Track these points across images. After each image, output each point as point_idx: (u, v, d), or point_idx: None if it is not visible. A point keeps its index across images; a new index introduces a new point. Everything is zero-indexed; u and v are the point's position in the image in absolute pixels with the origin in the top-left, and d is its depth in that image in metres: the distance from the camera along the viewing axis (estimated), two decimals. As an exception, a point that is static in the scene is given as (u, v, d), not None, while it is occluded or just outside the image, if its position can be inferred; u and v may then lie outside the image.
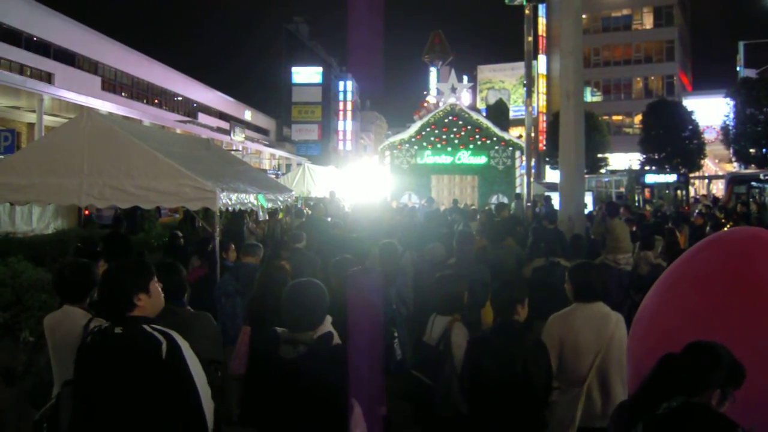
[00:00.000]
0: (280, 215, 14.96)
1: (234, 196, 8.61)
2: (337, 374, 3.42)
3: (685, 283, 3.78)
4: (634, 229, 12.67)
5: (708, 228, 12.90)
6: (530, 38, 22.18)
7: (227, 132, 48.87)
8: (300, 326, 3.58)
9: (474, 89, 65.06)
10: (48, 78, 35.88)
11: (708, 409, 2.52)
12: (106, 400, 3.12)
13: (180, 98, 58.22)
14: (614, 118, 63.69)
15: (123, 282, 3.33)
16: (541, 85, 61.93)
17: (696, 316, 3.49)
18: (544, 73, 62.62)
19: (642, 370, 3.58)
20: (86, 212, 15.22)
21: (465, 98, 27.97)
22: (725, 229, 10.47)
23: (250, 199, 9.35)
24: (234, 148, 44.66)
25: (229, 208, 8.63)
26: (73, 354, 4.07)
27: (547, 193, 20.71)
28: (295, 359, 3.49)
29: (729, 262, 3.64)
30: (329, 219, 14.27)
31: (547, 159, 53.04)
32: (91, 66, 42.54)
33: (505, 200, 23.38)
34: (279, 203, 11.28)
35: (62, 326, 4.24)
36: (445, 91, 27.20)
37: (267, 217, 11.99)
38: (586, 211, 15.45)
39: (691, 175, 43.74)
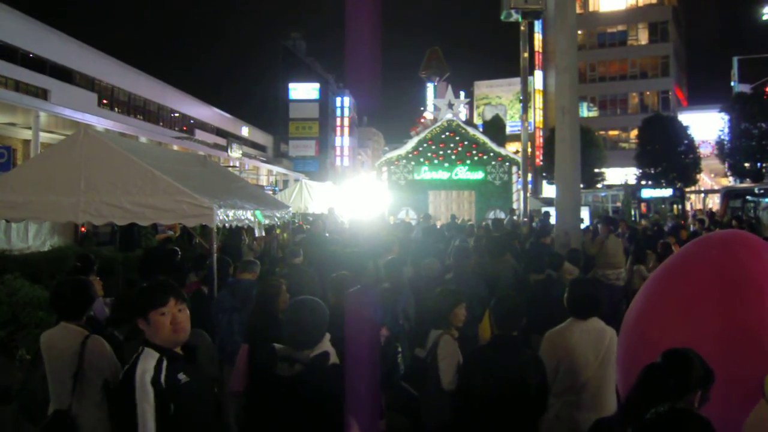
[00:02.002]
0: (277, 231, 14.95)
1: (231, 213, 8.59)
2: (332, 394, 3.42)
3: (669, 281, 3.87)
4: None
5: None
6: (526, 54, 22.39)
7: (224, 148, 48.89)
8: (299, 344, 3.61)
9: (471, 105, 65.31)
10: (44, 94, 35.89)
11: (692, 413, 2.59)
12: None
13: (177, 114, 58.28)
14: (610, 133, 63.92)
15: (134, 302, 3.45)
16: (538, 100, 62.20)
17: (678, 309, 3.59)
18: (541, 88, 62.93)
19: (631, 374, 3.66)
20: (83, 229, 15.20)
21: (462, 114, 28.08)
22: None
23: (247, 215, 9.35)
24: (231, 165, 44.68)
25: (227, 225, 8.62)
26: (69, 372, 4.07)
27: (545, 209, 20.73)
28: (291, 377, 3.52)
29: (710, 258, 3.75)
30: (328, 234, 14.29)
31: (544, 174, 53.16)
32: (87, 82, 42.55)
33: (502, 215, 23.42)
34: (276, 219, 11.27)
35: (59, 343, 4.24)
36: (441, 107, 27.32)
37: (264, 234, 11.98)
38: (582, 226, 15.47)
39: (687, 189, 43.85)
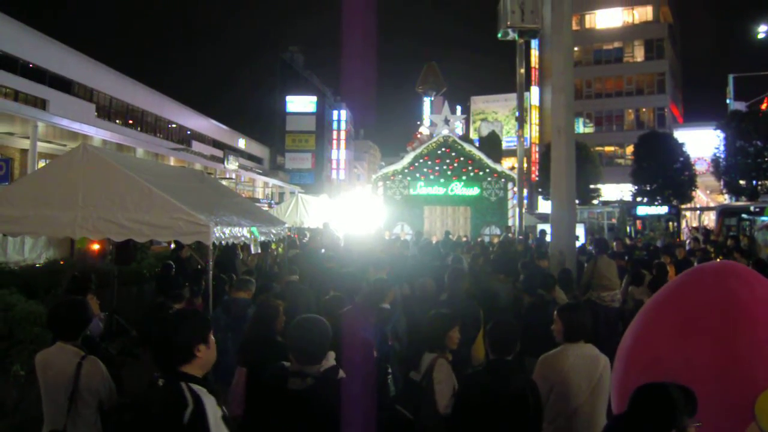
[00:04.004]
0: (273, 246, 14.95)
1: (227, 230, 8.62)
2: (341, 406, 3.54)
3: (664, 308, 3.92)
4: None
5: (696, 262, 12.90)
6: (522, 70, 22.42)
7: (221, 160, 48.90)
8: (306, 360, 3.70)
9: (467, 120, 65.47)
10: (42, 104, 35.89)
11: None
12: None
13: (174, 126, 58.29)
14: (606, 149, 64.03)
15: (186, 331, 3.19)
16: (534, 116, 62.34)
17: (673, 335, 3.63)
18: (537, 104, 63.06)
19: (627, 390, 3.68)
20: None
21: (458, 129, 28.20)
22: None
23: (243, 232, 9.37)
24: (227, 176, 44.69)
25: (223, 242, 8.64)
26: (65, 392, 4.10)
27: (541, 227, 20.74)
28: (303, 390, 3.61)
29: (704, 287, 3.80)
30: (323, 251, 14.27)
31: (540, 190, 53.21)
32: (86, 93, 42.54)
33: (497, 231, 23.49)
34: (272, 236, 11.29)
35: (54, 364, 4.25)
36: (438, 122, 27.42)
37: (260, 250, 12.00)
38: (578, 244, 15.49)
39: (683, 206, 43.91)
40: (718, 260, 5.72)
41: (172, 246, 14.18)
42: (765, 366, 3.32)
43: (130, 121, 49.41)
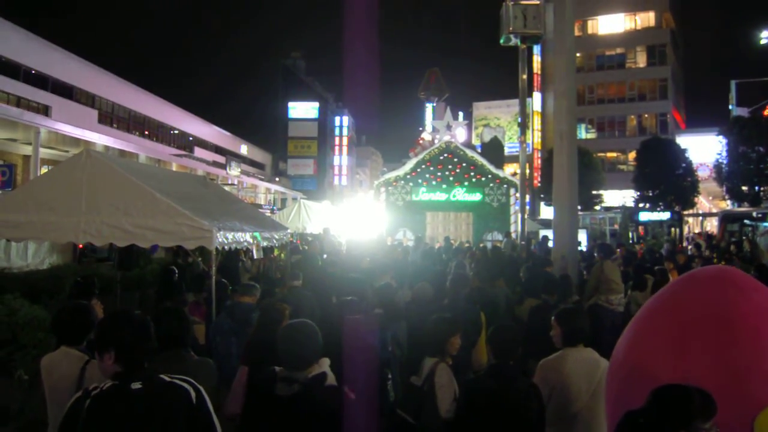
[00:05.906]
0: (276, 252, 14.95)
1: (230, 236, 8.64)
2: (327, 413, 3.51)
3: (658, 317, 3.86)
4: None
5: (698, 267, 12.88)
6: (524, 76, 22.49)
7: (223, 166, 48.93)
8: (294, 365, 3.68)
9: (469, 126, 65.54)
10: (45, 111, 35.98)
11: None
12: None
13: (176, 132, 58.35)
14: (608, 155, 64.04)
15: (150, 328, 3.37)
16: (536, 122, 62.38)
17: (668, 347, 3.57)
18: (539, 110, 63.14)
19: (621, 403, 3.65)
20: (80, 246, 15.18)
21: (460, 135, 28.25)
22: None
23: (246, 237, 9.39)
24: (230, 183, 44.72)
25: (225, 247, 8.65)
26: (69, 396, 4.09)
27: (543, 233, 20.72)
28: (289, 397, 3.59)
29: (700, 296, 3.72)
30: (325, 256, 14.29)
31: (542, 195, 53.20)
32: (88, 99, 42.65)
33: (499, 237, 23.51)
34: (275, 241, 11.31)
35: (59, 368, 4.26)
36: (440, 128, 27.47)
37: (262, 255, 12.00)
38: (580, 249, 15.48)
39: (685, 212, 43.88)
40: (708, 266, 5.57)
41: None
42: (764, 381, 3.25)
43: (132, 128, 49.48)
